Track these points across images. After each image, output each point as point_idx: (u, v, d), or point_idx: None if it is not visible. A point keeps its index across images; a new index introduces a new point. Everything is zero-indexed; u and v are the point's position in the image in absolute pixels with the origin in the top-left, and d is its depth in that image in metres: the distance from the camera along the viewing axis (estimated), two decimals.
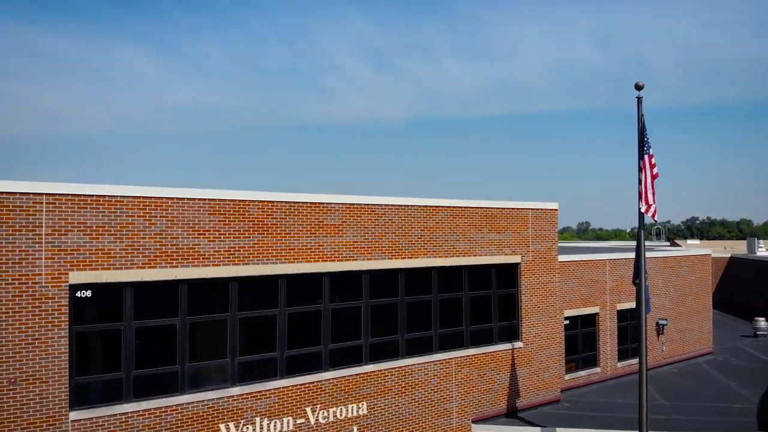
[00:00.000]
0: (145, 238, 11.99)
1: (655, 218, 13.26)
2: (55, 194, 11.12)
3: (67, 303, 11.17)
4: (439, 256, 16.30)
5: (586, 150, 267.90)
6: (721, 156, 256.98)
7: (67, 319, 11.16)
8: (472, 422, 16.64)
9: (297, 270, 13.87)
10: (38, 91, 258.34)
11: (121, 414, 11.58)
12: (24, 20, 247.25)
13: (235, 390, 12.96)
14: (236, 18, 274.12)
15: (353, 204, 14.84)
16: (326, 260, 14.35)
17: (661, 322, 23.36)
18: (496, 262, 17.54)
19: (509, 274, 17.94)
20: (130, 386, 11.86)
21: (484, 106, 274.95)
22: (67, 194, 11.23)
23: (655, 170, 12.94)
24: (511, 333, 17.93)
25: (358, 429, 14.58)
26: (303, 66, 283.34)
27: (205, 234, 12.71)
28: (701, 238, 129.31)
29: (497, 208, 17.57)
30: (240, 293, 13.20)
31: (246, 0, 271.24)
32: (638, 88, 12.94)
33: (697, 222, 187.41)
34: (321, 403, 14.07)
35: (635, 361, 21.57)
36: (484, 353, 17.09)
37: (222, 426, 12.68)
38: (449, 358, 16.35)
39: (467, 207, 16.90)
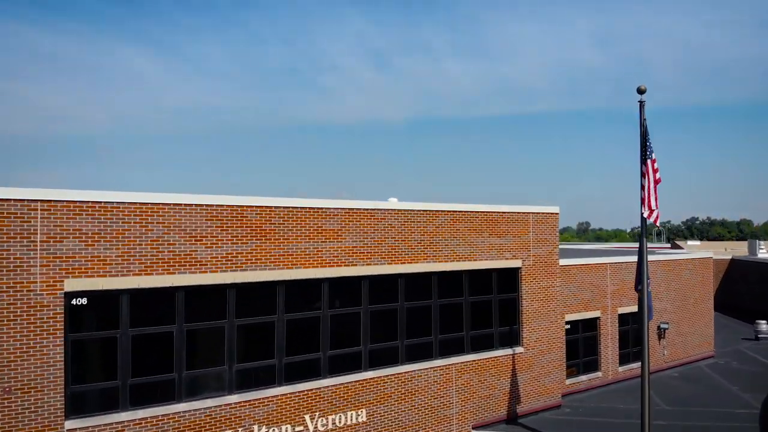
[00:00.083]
0: (141, 244, 11.86)
1: (657, 223, 13.21)
2: (50, 201, 10.99)
3: (63, 311, 11.03)
4: (439, 261, 16.16)
5: (586, 150, 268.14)
6: (721, 156, 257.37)
7: (63, 327, 11.02)
8: (473, 429, 16.51)
9: (295, 276, 13.74)
10: (38, 91, 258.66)
11: (117, 423, 11.44)
12: (24, 20, 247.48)
13: (233, 398, 12.83)
14: (236, 18, 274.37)
15: (352, 209, 14.71)
16: (325, 266, 14.21)
17: (662, 325, 23.22)
18: (496, 267, 17.41)
19: (510, 278, 17.80)
20: (127, 394, 11.72)
21: (484, 106, 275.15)
22: (62, 201, 11.10)
23: (657, 175, 12.85)
24: (512, 338, 17.79)
25: None
26: (303, 66, 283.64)
27: (202, 240, 12.58)
28: (701, 239, 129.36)
29: (498, 212, 17.43)
30: (238, 300, 13.06)
31: (246, 0, 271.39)
32: (641, 92, 12.82)
33: (697, 222, 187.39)
34: (320, 411, 13.93)
35: (636, 365, 21.46)
36: (485, 359, 16.96)
37: None
38: (449, 364, 16.21)
39: (467, 211, 16.76)
